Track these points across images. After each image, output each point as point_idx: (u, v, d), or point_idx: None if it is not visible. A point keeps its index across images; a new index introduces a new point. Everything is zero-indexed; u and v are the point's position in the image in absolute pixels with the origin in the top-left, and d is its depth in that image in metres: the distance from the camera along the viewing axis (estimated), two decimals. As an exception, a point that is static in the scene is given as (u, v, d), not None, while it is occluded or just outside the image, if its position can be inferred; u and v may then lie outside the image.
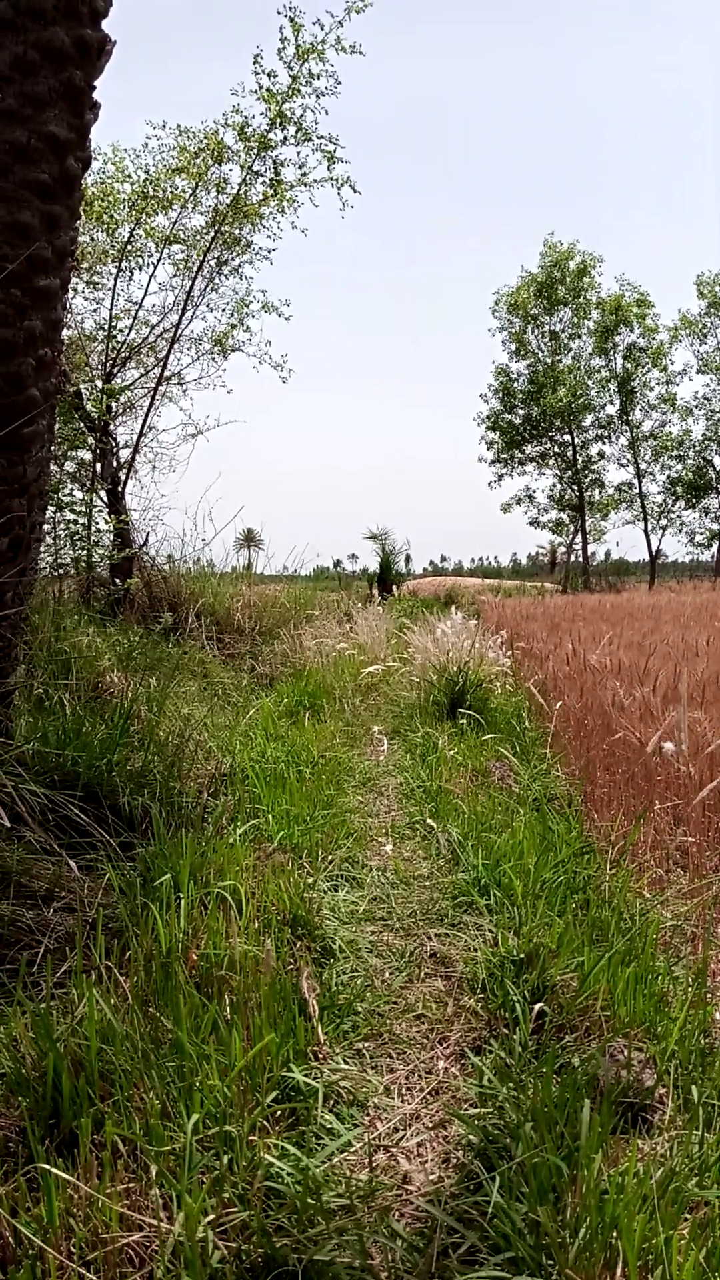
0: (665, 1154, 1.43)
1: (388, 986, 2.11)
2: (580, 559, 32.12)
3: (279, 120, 7.54)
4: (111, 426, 7.91)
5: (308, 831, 2.98)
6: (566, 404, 28.66)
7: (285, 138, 7.66)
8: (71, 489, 7.25)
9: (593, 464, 30.45)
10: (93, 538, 6.89)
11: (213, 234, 8.00)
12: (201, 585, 7.79)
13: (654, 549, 30.20)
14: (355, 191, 7.89)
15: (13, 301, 2.46)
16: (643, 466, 29.66)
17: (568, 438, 30.33)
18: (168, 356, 8.17)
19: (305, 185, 7.92)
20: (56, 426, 3.03)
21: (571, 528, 31.78)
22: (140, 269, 8.15)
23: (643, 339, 28.82)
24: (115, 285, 7.94)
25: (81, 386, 7.40)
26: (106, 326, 7.93)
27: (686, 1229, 1.24)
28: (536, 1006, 1.87)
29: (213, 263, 8.27)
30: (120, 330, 8.01)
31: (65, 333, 3.13)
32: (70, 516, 6.67)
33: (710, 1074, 1.64)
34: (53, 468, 3.35)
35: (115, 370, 7.99)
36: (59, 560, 6.56)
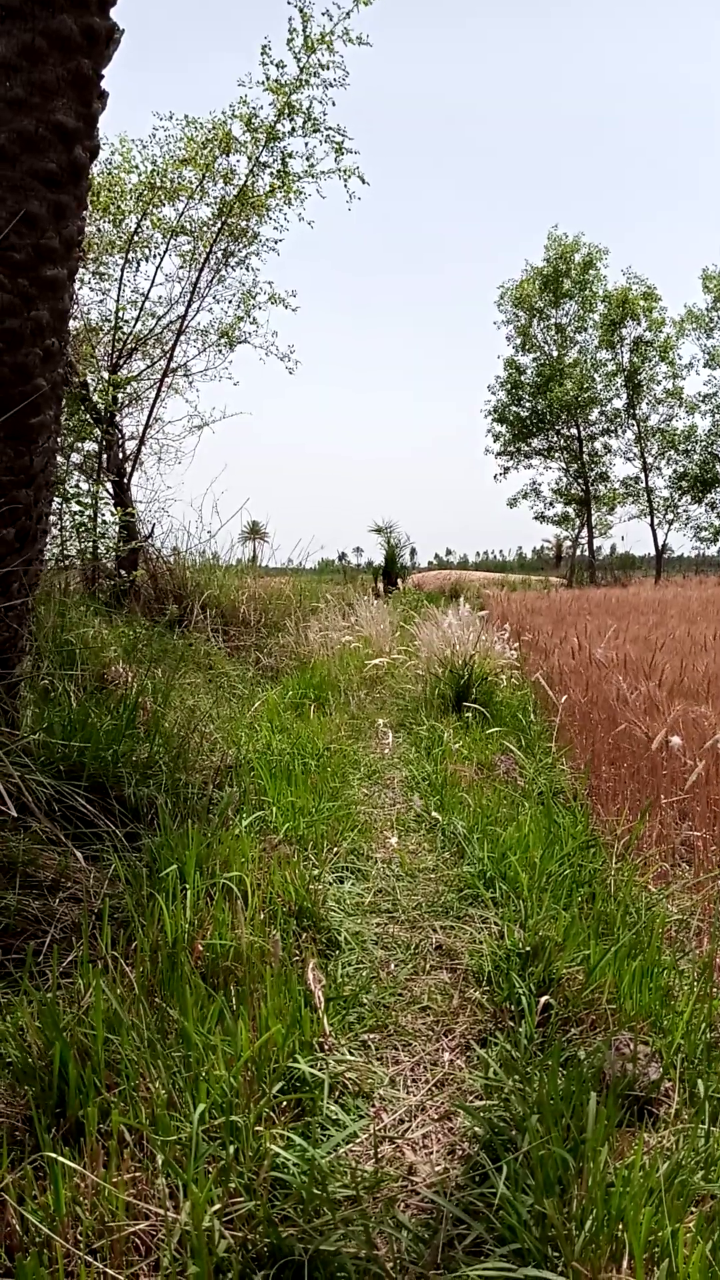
0: (671, 1147, 1.43)
1: (393, 978, 2.12)
2: (586, 553, 32.04)
3: (287, 111, 7.51)
4: (118, 418, 7.91)
5: (313, 823, 2.99)
6: (573, 397, 28.56)
7: (293, 128, 7.64)
8: (78, 480, 7.25)
9: (599, 458, 30.36)
10: (98, 529, 6.90)
11: (219, 225, 7.97)
12: (207, 577, 7.79)
13: (660, 544, 30.13)
14: (364, 183, 7.86)
15: (20, 291, 2.46)
16: (649, 461, 29.57)
17: (574, 431, 30.23)
18: (174, 348, 8.16)
19: (313, 176, 7.89)
20: (63, 417, 3.02)
21: (577, 522, 31.71)
22: (147, 260, 8.15)
23: (649, 332, 28.68)
24: (122, 276, 7.93)
25: (88, 377, 7.39)
26: (113, 317, 7.92)
27: (693, 1222, 1.24)
28: (542, 999, 1.87)
29: (219, 254, 8.25)
30: (127, 321, 8.01)
31: (72, 323, 3.13)
32: (76, 508, 6.68)
33: (717, 1068, 1.64)
34: (59, 459, 3.35)
35: (122, 361, 7.98)
36: (65, 551, 6.56)
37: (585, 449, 30.21)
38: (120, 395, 7.83)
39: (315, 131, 7.68)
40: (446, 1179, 1.42)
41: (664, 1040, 1.71)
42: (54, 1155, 1.22)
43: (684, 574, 32.86)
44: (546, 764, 4.00)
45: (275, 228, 8.30)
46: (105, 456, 7.72)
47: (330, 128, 7.68)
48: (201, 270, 8.15)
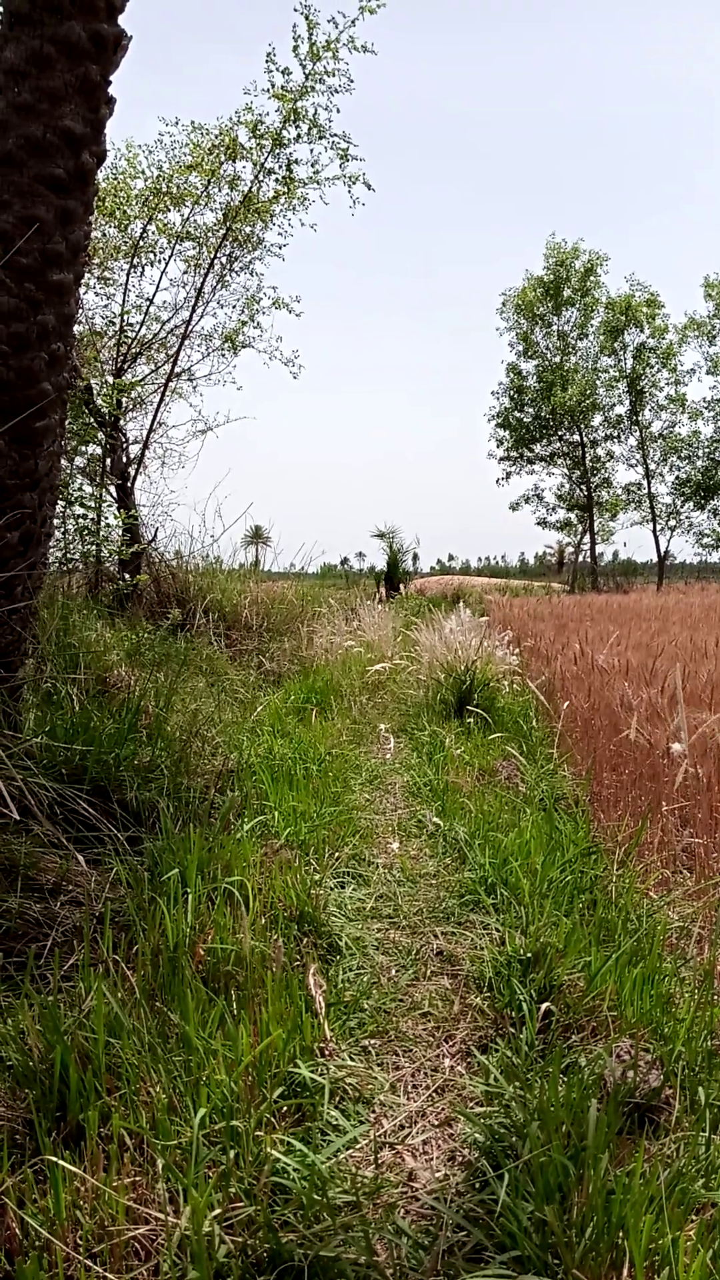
0: (672, 1155, 1.42)
1: (394, 984, 2.11)
2: (588, 559, 32.04)
3: (293, 117, 7.53)
4: (122, 422, 7.92)
5: (315, 828, 2.98)
6: (575, 403, 28.59)
7: (299, 135, 7.65)
8: (81, 484, 7.26)
9: (601, 464, 30.39)
10: (102, 533, 6.91)
11: (224, 231, 7.99)
12: (209, 581, 7.79)
13: (662, 550, 30.12)
14: (369, 189, 7.87)
15: (26, 296, 2.47)
16: (652, 467, 29.59)
17: (576, 437, 30.27)
18: (178, 353, 8.17)
19: (318, 183, 7.91)
20: (67, 421, 3.03)
21: (580, 528, 31.72)
22: (152, 265, 8.15)
23: (652, 339, 28.73)
24: (127, 281, 7.95)
25: (92, 381, 7.41)
26: (118, 322, 7.93)
27: (693, 1230, 1.24)
28: (543, 1006, 1.87)
29: (224, 259, 8.27)
30: (131, 326, 8.02)
31: (77, 328, 3.14)
32: (80, 511, 6.69)
33: (718, 1075, 1.63)
34: (63, 462, 3.35)
35: (126, 366, 7.99)
36: (68, 555, 6.57)
37: (588, 455, 30.24)
38: (124, 399, 7.85)
39: (321, 138, 7.70)
40: (447, 1185, 1.42)
41: (665, 1048, 1.70)
42: (54, 1159, 1.22)
43: (686, 580, 32.85)
44: (548, 770, 4.00)
45: (280, 233, 8.33)
46: (109, 460, 7.73)
47: (335, 134, 7.70)
48: (206, 275, 8.17)
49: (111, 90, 2.65)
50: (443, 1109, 1.65)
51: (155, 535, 7.89)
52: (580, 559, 33.37)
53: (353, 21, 7.20)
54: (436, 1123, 1.61)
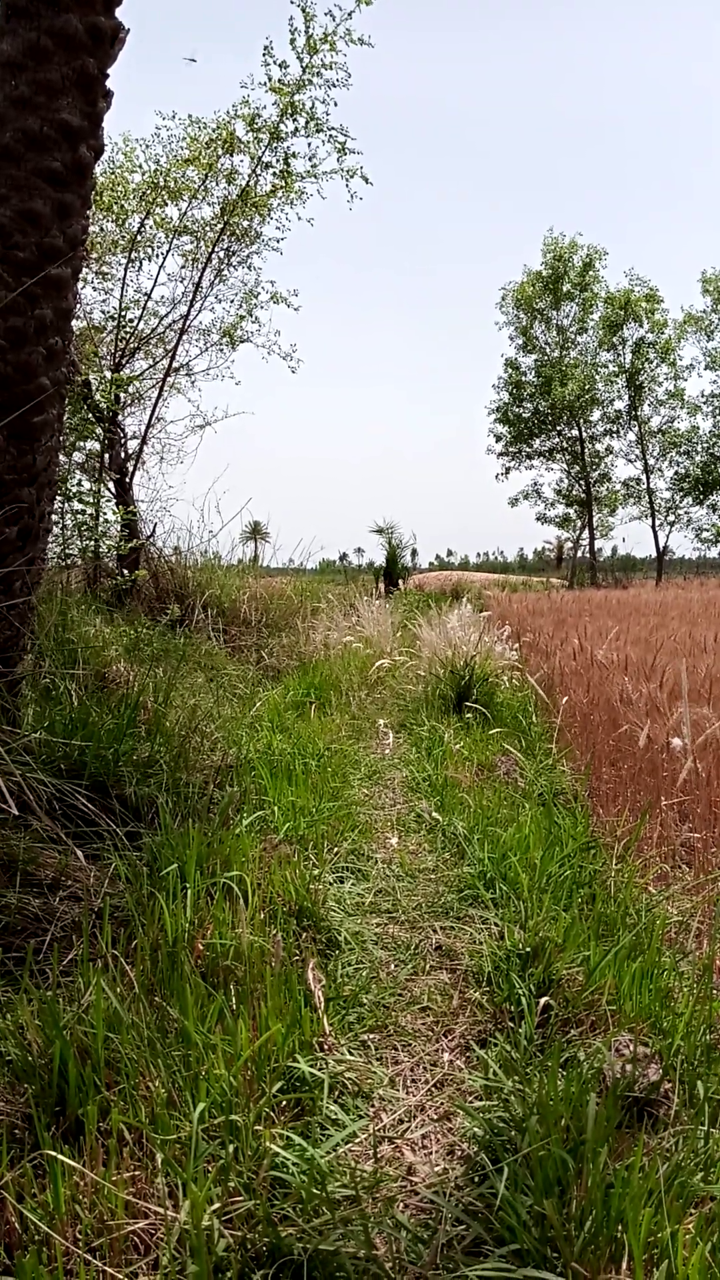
0: (671, 1149, 1.43)
1: (393, 979, 2.12)
2: (587, 555, 32.05)
3: (290, 111, 7.50)
4: (120, 417, 7.90)
5: (314, 823, 2.99)
6: (574, 398, 28.58)
7: (296, 129, 7.62)
8: (80, 479, 7.24)
9: (600, 459, 30.40)
10: (100, 528, 6.90)
11: (222, 225, 7.97)
12: (208, 577, 7.79)
13: (661, 545, 30.13)
14: (367, 182, 7.84)
15: (24, 289, 2.46)
16: (651, 462, 29.62)
17: (575, 432, 30.26)
18: (176, 347, 8.16)
19: (315, 177, 7.87)
20: (65, 416, 3.02)
21: (578, 523, 31.74)
22: (149, 259, 8.13)
23: (651, 334, 28.72)
24: (125, 276, 7.92)
25: (90, 376, 7.39)
26: (116, 317, 7.91)
27: (692, 1223, 1.24)
28: (542, 1000, 1.87)
29: (221, 254, 8.25)
30: (129, 321, 8.00)
31: (75, 323, 3.13)
32: (78, 507, 6.68)
33: (716, 1070, 1.63)
34: (61, 458, 3.35)
35: (124, 361, 7.98)
36: (67, 550, 6.56)
37: (586, 450, 30.24)
38: (122, 394, 7.83)
39: (318, 131, 7.66)
40: (446, 1179, 1.42)
41: (664, 1042, 1.71)
42: (53, 1153, 1.22)
43: (685, 576, 32.90)
44: (547, 765, 4.00)
45: (277, 227, 8.33)
46: (107, 455, 7.71)
47: (333, 128, 7.66)
48: (204, 269, 8.15)
49: (109, 84, 2.64)
50: (442, 1103, 1.65)
51: (154, 531, 7.89)
52: (579, 554, 33.37)
53: (349, 14, 7.18)
54: (436, 1117, 1.61)
